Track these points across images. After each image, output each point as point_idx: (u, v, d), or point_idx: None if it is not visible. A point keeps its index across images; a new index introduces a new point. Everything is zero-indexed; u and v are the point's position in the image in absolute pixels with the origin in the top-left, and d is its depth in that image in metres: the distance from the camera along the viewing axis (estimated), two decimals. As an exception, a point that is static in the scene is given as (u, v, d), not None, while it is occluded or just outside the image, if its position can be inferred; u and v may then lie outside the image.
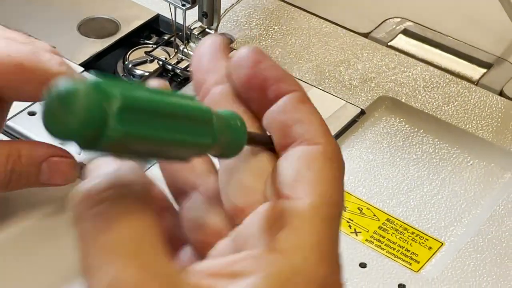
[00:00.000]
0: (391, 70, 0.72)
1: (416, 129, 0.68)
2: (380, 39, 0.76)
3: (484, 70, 0.73)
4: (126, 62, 0.71)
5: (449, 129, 0.67)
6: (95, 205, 0.34)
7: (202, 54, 0.43)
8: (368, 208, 0.61)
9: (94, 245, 0.34)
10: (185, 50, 0.71)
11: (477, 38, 0.76)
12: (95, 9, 0.75)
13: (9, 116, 0.58)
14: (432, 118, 0.68)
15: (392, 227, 0.60)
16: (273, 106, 0.39)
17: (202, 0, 0.68)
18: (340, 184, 0.38)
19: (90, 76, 0.68)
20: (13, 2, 0.75)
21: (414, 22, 0.77)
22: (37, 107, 0.65)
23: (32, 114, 0.65)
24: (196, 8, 0.69)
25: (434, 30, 0.77)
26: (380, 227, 0.60)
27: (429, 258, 0.59)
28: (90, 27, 0.74)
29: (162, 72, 0.71)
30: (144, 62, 0.71)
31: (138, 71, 0.70)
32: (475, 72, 0.73)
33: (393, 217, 0.61)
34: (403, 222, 0.61)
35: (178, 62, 0.70)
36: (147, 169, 0.57)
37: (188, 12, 0.69)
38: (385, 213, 0.61)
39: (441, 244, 0.60)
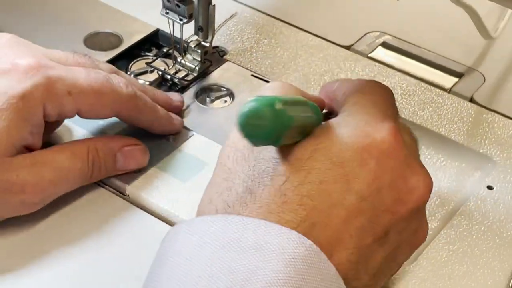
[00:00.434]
0: (371, 79, 0.73)
1: (394, 133, 0.69)
2: (361, 51, 0.76)
3: (456, 79, 0.74)
4: (129, 73, 0.72)
5: (424, 132, 0.68)
6: None
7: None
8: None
9: None
10: (182, 61, 0.72)
11: (450, 50, 0.77)
12: (100, 24, 0.76)
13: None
14: (408, 122, 0.69)
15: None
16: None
17: (198, 16, 0.69)
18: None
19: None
20: (24, 17, 0.76)
21: (392, 36, 0.78)
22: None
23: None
24: (193, 23, 0.70)
25: (411, 43, 0.77)
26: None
27: (406, 249, 0.60)
28: (95, 41, 0.75)
29: (161, 81, 0.72)
30: (145, 72, 0.72)
31: (140, 80, 0.71)
32: (447, 81, 0.74)
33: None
34: (382, 217, 0.62)
35: (176, 72, 0.71)
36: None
37: (185, 26, 0.70)
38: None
39: (417, 236, 0.61)
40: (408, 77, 0.74)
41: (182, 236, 0.47)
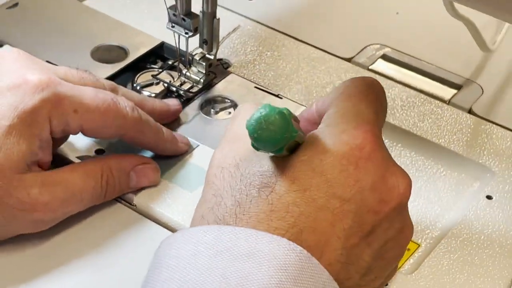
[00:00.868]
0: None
1: (395, 144, 0.69)
2: (362, 63, 0.76)
3: (455, 91, 0.74)
4: (135, 85, 0.72)
5: (424, 143, 0.68)
6: None
7: None
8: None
9: None
10: (187, 73, 0.71)
11: (448, 62, 0.77)
12: (106, 37, 0.76)
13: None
14: (409, 133, 0.69)
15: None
16: None
17: (202, 29, 0.69)
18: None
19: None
20: (32, 30, 0.76)
21: (392, 48, 0.78)
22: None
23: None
24: (197, 36, 0.70)
25: (410, 55, 0.77)
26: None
27: (408, 258, 0.60)
28: (102, 53, 0.75)
29: (167, 93, 0.71)
30: (151, 84, 0.72)
31: (145, 92, 0.71)
32: (446, 92, 0.74)
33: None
34: (384, 226, 0.62)
35: (181, 84, 0.71)
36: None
37: (190, 39, 0.70)
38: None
39: (418, 245, 0.61)
40: (408, 89, 0.73)
41: (177, 245, 0.47)
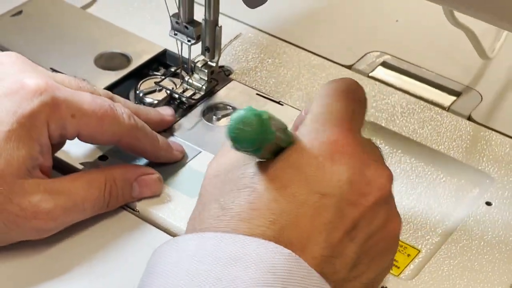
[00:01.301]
0: (372, 98, 0.72)
1: (395, 150, 0.68)
2: (362, 70, 0.76)
3: (454, 98, 0.74)
4: (138, 92, 0.72)
5: (424, 150, 0.68)
6: None
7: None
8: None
9: None
10: (189, 80, 0.71)
11: (448, 69, 0.77)
12: (110, 44, 0.76)
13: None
14: (408, 140, 0.69)
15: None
16: None
17: (204, 37, 0.69)
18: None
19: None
20: (35, 37, 0.76)
21: (392, 56, 0.78)
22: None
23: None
24: (200, 43, 0.70)
25: (410, 63, 0.77)
26: (364, 237, 0.61)
27: (408, 264, 0.60)
28: (105, 61, 0.75)
29: (169, 100, 0.71)
30: (153, 91, 0.72)
31: (148, 99, 0.71)
32: (446, 99, 0.74)
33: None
34: (384, 232, 0.62)
35: (183, 91, 0.71)
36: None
37: (192, 47, 0.69)
38: (369, 224, 0.62)
39: (418, 251, 0.60)
40: (407, 96, 0.73)
41: (164, 254, 0.48)
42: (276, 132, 0.49)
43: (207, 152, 0.66)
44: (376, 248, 0.51)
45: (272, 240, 0.47)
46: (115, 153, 0.65)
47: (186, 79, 0.71)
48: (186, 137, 0.68)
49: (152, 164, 0.64)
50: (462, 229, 0.62)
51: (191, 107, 0.71)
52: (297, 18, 0.83)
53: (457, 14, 0.72)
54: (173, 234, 0.60)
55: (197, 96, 0.71)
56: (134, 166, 0.62)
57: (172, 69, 0.74)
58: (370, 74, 0.76)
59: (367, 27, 0.82)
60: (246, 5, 0.59)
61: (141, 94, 0.72)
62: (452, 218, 0.63)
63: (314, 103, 0.54)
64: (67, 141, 0.62)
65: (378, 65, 0.77)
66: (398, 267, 0.59)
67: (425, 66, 0.77)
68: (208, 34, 0.69)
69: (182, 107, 0.71)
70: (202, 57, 0.71)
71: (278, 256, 0.46)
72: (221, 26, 0.69)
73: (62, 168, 0.63)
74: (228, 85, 0.73)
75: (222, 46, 0.72)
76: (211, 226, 0.49)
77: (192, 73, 0.72)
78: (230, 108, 0.71)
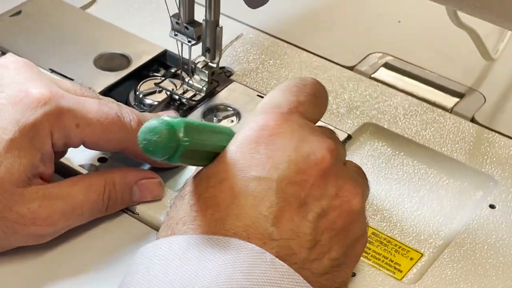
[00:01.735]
0: (374, 99, 0.72)
1: (397, 152, 0.68)
2: (364, 71, 0.76)
3: (457, 99, 0.73)
4: (137, 93, 0.71)
5: (427, 152, 0.67)
6: None
7: None
8: (355, 223, 0.62)
9: None
10: (190, 81, 0.70)
11: (451, 70, 0.76)
12: (109, 45, 0.75)
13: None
14: (411, 142, 0.68)
15: (377, 240, 0.61)
16: None
17: (205, 38, 0.68)
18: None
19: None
20: (35, 38, 0.76)
21: (394, 57, 0.77)
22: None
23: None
24: (200, 44, 0.69)
25: (412, 64, 0.77)
26: (366, 240, 0.61)
27: (411, 268, 0.59)
28: (105, 61, 0.74)
29: (169, 101, 0.70)
30: (153, 92, 0.71)
31: (148, 100, 0.70)
32: (449, 101, 0.73)
33: (378, 231, 0.61)
34: (387, 235, 0.61)
35: (184, 93, 0.70)
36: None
37: (193, 47, 0.69)
38: (371, 227, 0.61)
39: (421, 255, 0.60)
40: (410, 98, 0.73)
41: (137, 260, 0.50)
42: (196, 140, 0.50)
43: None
44: (334, 225, 0.51)
45: (216, 235, 0.48)
46: (115, 154, 0.64)
47: (187, 80, 0.71)
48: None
49: (153, 167, 0.63)
50: (465, 232, 0.61)
51: (191, 109, 0.70)
52: (298, 19, 0.82)
53: (461, 14, 0.71)
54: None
55: (197, 98, 0.70)
56: (134, 169, 0.61)
57: (172, 70, 0.73)
58: (372, 75, 0.76)
59: (369, 28, 0.82)
60: (247, 5, 0.58)
61: (141, 95, 0.71)
62: (455, 221, 0.62)
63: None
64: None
65: (380, 66, 0.77)
66: (401, 271, 0.59)
67: (428, 67, 0.76)
68: (208, 35, 0.68)
69: (182, 108, 0.70)
70: (202, 58, 0.70)
71: (242, 250, 0.47)
72: (221, 27, 0.68)
73: (61, 171, 0.62)
74: (229, 86, 0.72)
75: (223, 47, 0.71)
76: (161, 237, 0.51)
77: (193, 74, 0.71)
78: (231, 109, 0.70)
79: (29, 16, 0.78)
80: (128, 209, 0.61)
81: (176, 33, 0.68)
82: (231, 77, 0.74)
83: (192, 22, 0.68)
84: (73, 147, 0.59)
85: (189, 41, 0.68)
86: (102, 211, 0.59)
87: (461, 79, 0.75)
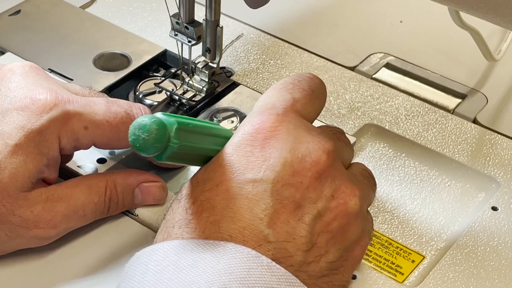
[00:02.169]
0: (375, 100, 0.72)
1: (399, 154, 0.67)
2: (365, 72, 0.75)
3: (459, 100, 0.73)
4: (137, 93, 0.71)
5: (429, 153, 0.67)
6: None
7: None
8: (357, 225, 0.61)
9: None
10: (190, 82, 0.70)
11: (453, 71, 0.76)
12: (109, 45, 0.75)
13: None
14: (413, 143, 0.68)
15: (378, 242, 0.60)
16: None
17: (205, 37, 0.68)
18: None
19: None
20: (34, 38, 0.75)
21: (396, 57, 0.77)
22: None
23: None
24: (200, 44, 0.68)
25: (414, 64, 0.76)
26: (368, 242, 0.60)
27: (412, 270, 0.59)
28: (104, 61, 0.73)
29: (169, 102, 0.70)
30: (153, 93, 0.71)
31: (148, 101, 0.70)
32: (451, 101, 0.73)
33: (379, 233, 0.61)
34: (388, 238, 0.61)
35: (184, 93, 0.70)
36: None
37: (193, 47, 0.68)
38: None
39: (422, 257, 0.59)
40: (412, 98, 0.72)
41: (133, 265, 0.50)
42: (187, 143, 0.49)
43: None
44: (330, 227, 0.51)
45: (212, 237, 0.47)
46: (113, 155, 0.64)
47: (187, 80, 0.70)
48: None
49: (156, 169, 0.63)
50: (467, 234, 0.61)
51: (191, 109, 0.70)
52: (299, 19, 0.82)
53: (463, 15, 0.71)
54: (172, 239, 0.59)
55: (197, 98, 0.70)
56: (136, 172, 0.60)
57: (172, 70, 0.73)
58: (373, 76, 0.75)
59: (370, 28, 0.81)
60: (248, 5, 0.58)
61: (140, 96, 0.71)
62: (457, 224, 0.62)
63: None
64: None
65: (382, 67, 0.76)
66: (402, 274, 0.58)
67: (430, 68, 0.76)
68: (209, 35, 0.68)
69: (182, 108, 0.70)
70: (202, 58, 0.70)
71: (237, 255, 0.47)
72: (222, 27, 0.67)
73: (60, 171, 0.61)
74: (235, 89, 0.71)
75: (223, 46, 0.71)
76: (157, 240, 0.50)
77: (193, 74, 0.70)
78: (231, 110, 0.70)
79: (28, 15, 0.78)
80: (127, 211, 0.60)
81: (176, 33, 0.68)
82: (232, 78, 0.73)
83: (192, 22, 0.67)
84: (83, 149, 0.59)
85: (189, 41, 0.67)
86: (103, 212, 0.58)
87: (463, 80, 0.75)
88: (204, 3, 0.66)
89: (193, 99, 0.70)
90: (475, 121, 0.71)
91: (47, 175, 0.56)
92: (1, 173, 0.54)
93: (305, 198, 0.50)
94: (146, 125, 0.47)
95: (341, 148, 0.55)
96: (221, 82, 0.72)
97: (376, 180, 0.64)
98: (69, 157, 0.61)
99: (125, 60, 0.74)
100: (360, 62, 0.76)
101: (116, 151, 0.64)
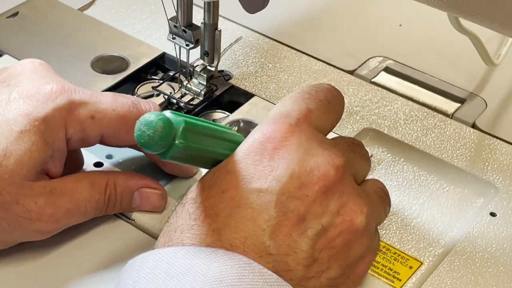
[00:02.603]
0: (374, 104, 0.71)
1: (397, 158, 0.67)
2: (364, 76, 0.75)
3: (458, 105, 0.73)
4: (135, 95, 0.70)
5: (427, 158, 0.67)
6: None
7: None
8: (354, 230, 0.61)
9: None
10: (188, 85, 0.70)
11: (452, 75, 0.76)
12: (107, 47, 0.75)
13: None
14: (411, 148, 0.68)
15: (378, 249, 0.60)
16: None
17: (204, 41, 0.68)
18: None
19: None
20: (32, 40, 0.75)
21: (395, 61, 0.77)
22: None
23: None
24: (199, 47, 0.68)
25: (413, 68, 0.76)
26: (365, 248, 0.60)
27: (410, 276, 0.58)
28: (102, 64, 0.73)
29: (167, 105, 0.70)
30: (151, 96, 0.70)
31: (146, 104, 0.70)
32: (450, 106, 0.73)
33: (378, 239, 0.60)
34: (386, 243, 0.60)
35: (182, 96, 0.69)
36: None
37: (191, 50, 0.68)
38: (370, 234, 0.61)
39: (420, 263, 0.59)
40: (411, 103, 0.72)
41: (126, 273, 0.49)
42: (193, 144, 0.49)
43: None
44: (334, 244, 0.50)
45: (212, 245, 0.47)
46: (110, 159, 0.64)
47: (185, 83, 0.70)
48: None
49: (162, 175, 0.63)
50: (465, 240, 0.60)
51: (188, 113, 0.69)
52: (298, 22, 0.82)
53: (462, 20, 0.70)
54: (169, 244, 0.59)
55: (195, 102, 0.70)
56: (138, 175, 0.60)
57: (171, 73, 0.73)
58: (372, 80, 0.75)
59: (369, 32, 0.81)
60: (246, 10, 0.57)
61: (138, 99, 0.70)
62: (456, 229, 0.62)
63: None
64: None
65: (381, 71, 0.76)
66: (400, 280, 0.58)
67: (429, 72, 0.76)
68: (207, 38, 0.68)
69: (180, 112, 0.69)
70: (201, 62, 0.70)
71: (229, 262, 0.46)
72: (220, 30, 0.67)
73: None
74: (250, 100, 0.70)
75: (222, 50, 0.71)
76: (159, 243, 0.50)
77: (191, 78, 0.70)
78: (227, 114, 0.70)
79: (26, 17, 0.78)
80: (123, 215, 0.60)
81: (174, 36, 0.68)
82: (230, 81, 0.73)
83: (191, 25, 0.67)
84: (91, 143, 0.58)
85: (187, 45, 0.67)
86: (102, 210, 0.58)
87: (462, 84, 0.75)
88: (202, 6, 0.66)
89: (191, 102, 0.69)
90: (474, 126, 0.71)
91: (51, 167, 0.56)
92: (6, 159, 0.53)
93: (309, 212, 0.49)
94: (152, 122, 0.47)
95: (354, 162, 0.54)
96: (219, 86, 0.72)
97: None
98: (80, 165, 0.61)
99: (123, 62, 0.74)
100: (359, 66, 0.76)
101: (114, 154, 0.64)
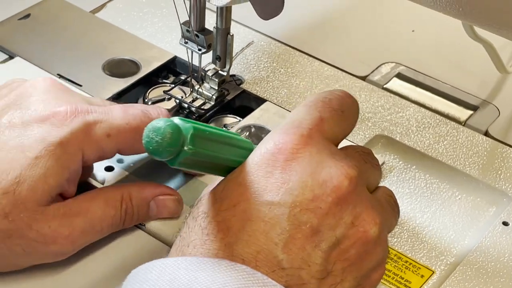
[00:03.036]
0: (386, 110, 0.71)
1: (409, 166, 0.67)
2: (376, 82, 0.75)
3: (471, 112, 0.73)
4: (146, 100, 0.70)
5: (439, 166, 0.66)
6: None
7: None
8: (366, 238, 0.61)
9: None
10: (199, 89, 0.70)
11: (465, 82, 0.75)
12: (118, 51, 0.74)
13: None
14: (423, 155, 0.67)
15: (387, 256, 0.60)
16: None
17: (216, 45, 0.67)
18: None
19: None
20: (44, 44, 0.75)
21: (407, 67, 0.76)
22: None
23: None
24: (211, 51, 0.68)
25: (426, 75, 0.76)
26: (377, 256, 0.60)
27: (421, 286, 0.58)
28: (114, 67, 0.73)
29: (178, 109, 0.69)
30: (162, 100, 0.70)
31: (157, 108, 0.70)
32: (462, 113, 0.73)
33: (388, 247, 0.61)
34: (397, 252, 0.60)
35: (193, 101, 0.69)
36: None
37: (203, 55, 0.67)
38: (381, 242, 0.61)
39: (432, 272, 0.59)
40: (423, 109, 0.72)
41: (130, 283, 0.49)
42: (202, 150, 0.48)
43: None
44: (348, 255, 0.50)
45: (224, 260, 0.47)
46: (121, 163, 0.64)
47: (196, 88, 0.70)
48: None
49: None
50: (478, 250, 0.60)
51: (200, 117, 0.69)
52: (310, 27, 0.81)
53: (476, 27, 0.70)
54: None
55: (207, 106, 0.69)
56: (152, 184, 0.60)
57: (182, 77, 0.72)
58: (384, 86, 0.75)
59: (382, 37, 0.81)
60: (260, 16, 0.57)
61: (149, 103, 0.70)
62: (468, 238, 0.61)
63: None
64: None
65: (393, 77, 0.76)
66: (411, 289, 0.58)
67: (441, 79, 0.75)
68: (219, 43, 0.67)
69: (191, 116, 0.69)
70: (212, 66, 0.69)
71: (232, 273, 0.45)
72: (233, 35, 0.67)
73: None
74: (261, 106, 0.70)
75: (234, 54, 0.70)
76: (170, 257, 0.49)
77: (202, 82, 0.70)
78: (239, 119, 0.69)
79: (38, 19, 0.78)
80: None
81: (186, 40, 0.67)
82: (242, 86, 0.73)
83: (203, 30, 0.67)
84: (107, 158, 0.58)
85: (199, 49, 0.67)
86: (119, 225, 0.58)
87: (475, 92, 0.74)
88: (215, 10, 0.66)
89: (202, 107, 0.69)
90: (486, 134, 0.70)
91: (67, 189, 0.56)
92: (20, 186, 0.53)
93: (323, 224, 0.48)
94: (161, 128, 0.47)
95: (366, 171, 0.54)
96: (231, 90, 0.71)
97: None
98: (89, 172, 0.61)
99: (134, 66, 0.73)
100: (371, 72, 0.76)
101: (124, 158, 0.64)
